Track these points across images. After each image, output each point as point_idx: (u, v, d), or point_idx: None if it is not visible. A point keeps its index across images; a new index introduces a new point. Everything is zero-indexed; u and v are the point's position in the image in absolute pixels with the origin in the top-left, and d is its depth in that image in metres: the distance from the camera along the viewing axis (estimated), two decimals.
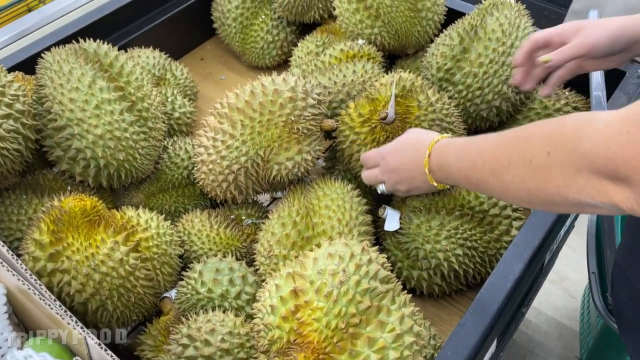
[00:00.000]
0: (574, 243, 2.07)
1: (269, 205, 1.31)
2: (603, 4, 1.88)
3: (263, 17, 1.57)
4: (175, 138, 1.25)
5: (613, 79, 1.20)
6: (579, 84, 1.22)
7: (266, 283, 0.81)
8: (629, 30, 0.90)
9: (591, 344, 1.47)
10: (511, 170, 0.66)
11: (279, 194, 1.19)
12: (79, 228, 0.92)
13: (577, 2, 2.07)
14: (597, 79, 1.17)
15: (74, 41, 1.13)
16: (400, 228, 1.08)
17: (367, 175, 0.99)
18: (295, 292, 0.75)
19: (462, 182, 0.80)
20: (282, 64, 1.64)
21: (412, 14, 1.28)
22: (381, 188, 0.98)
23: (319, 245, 0.93)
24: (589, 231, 1.35)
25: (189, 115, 1.35)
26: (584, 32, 0.92)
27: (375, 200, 1.21)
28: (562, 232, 1.12)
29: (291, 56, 1.51)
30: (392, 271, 1.09)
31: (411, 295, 1.11)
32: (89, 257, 0.90)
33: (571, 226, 1.37)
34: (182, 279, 1.00)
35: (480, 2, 1.25)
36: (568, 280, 2.04)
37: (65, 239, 0.90)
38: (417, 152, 0.87)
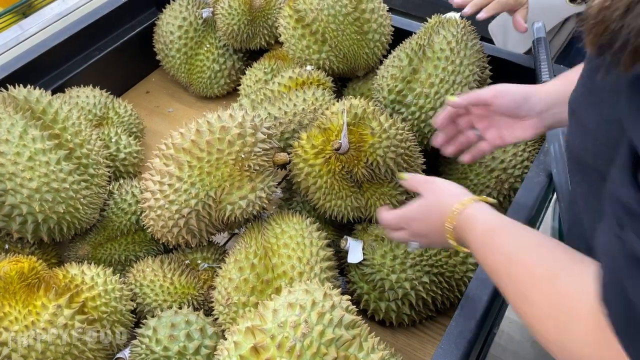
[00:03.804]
0: None
1: (226, 242, 1.25)
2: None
3: (208, 46, 1.52)
4: (121, 181, 1.18)
5: None
6: None
7: (224, 339, 0.75)
8: (543, 94, 0.87)
9: None
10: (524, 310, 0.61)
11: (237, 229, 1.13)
12: (16, 294, 0.85)
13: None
14: None
15: (1, 89, 1.06)
16: (364, 259, 1.05)
17: (397, 237, 0.90)
18: (255, 349, 0.70)
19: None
20: (232, 92, 1.59)
21: (358, 37, 1.25)
22: (414, 246, 0.89)
23: (279, 290, 0.88)
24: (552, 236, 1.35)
25: (135, 155, 1.29)
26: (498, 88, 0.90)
27: (337, 231, 1.17)
28: None
29: (240, 84, 1.46)
30: (359, 304, 1.07)
31: (380, 327, 1.10)
32: (29, 326, 0.82)
33: None
34: (136, 337, 0.93)
35: (426, 21, 1.24)
36: None
37: (1, 309, 0.83)
38: (440, 221, 0.78)
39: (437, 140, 0.99)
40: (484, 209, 0.73)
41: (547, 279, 0.58)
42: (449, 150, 0.99)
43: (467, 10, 1.17)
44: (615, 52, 0.42)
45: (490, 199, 0.77)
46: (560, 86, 0.86)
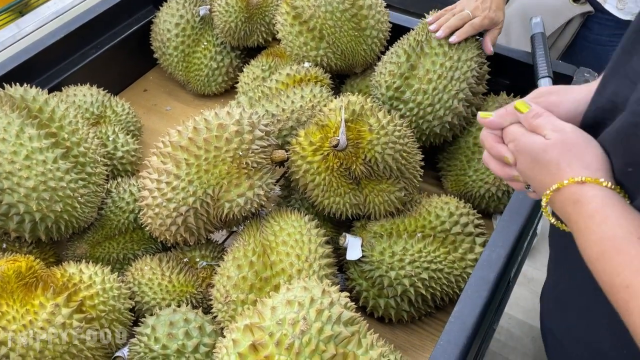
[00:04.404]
0: (538, 244, 2.09)
1: (225, 240, 1.25)
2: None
3: (205, 43, 1.51)
4: (119, 180, 1.18)
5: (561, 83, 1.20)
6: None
7: (223, 336, 0.75)
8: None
9: None
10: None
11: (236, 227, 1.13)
12: (14, 294, 0.84)
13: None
14: (545, 86, 1.17)
15: None
16: (363, 256, 1.05)
17: (497, 151, 0.70)
18: (254, 347, 0.70)
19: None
20: (230, 90, 1.59)
21: (356, 33, 1.25)
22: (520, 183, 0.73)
23: (277, 287, 0.88)
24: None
25: (133, 153, 1.28)
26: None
27: (336, 228, 1.17)
28: (525, 245, 1.10)
29: (238, 82, 1.46)
30: (358, 301, 1.07)
31: (380, 324, 1.10)
32: (27, 325, 0.82)
33: (534, 234, 1.36)
34: (135, 335, 0.92)
35: (424, 17, 1.24)
36: (535, 282, 2.04)
37: None
38: (548, 179, 0.63)
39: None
40: (597, 196, 0.59)
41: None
42: None
43: (440, 33, 1.13)
44: None
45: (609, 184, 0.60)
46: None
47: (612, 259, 0.55)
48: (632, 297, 0.52)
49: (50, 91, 1.24)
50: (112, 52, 1.52)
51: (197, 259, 1.06)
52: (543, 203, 0.64)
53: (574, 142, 0.63)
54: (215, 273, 0.99)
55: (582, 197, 0.59)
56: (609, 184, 0.59)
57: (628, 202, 0.59)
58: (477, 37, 1.19)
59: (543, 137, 0.64)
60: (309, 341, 0.69)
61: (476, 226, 1.08)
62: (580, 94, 0.71)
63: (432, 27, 1.16)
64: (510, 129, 0.68)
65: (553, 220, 0.67)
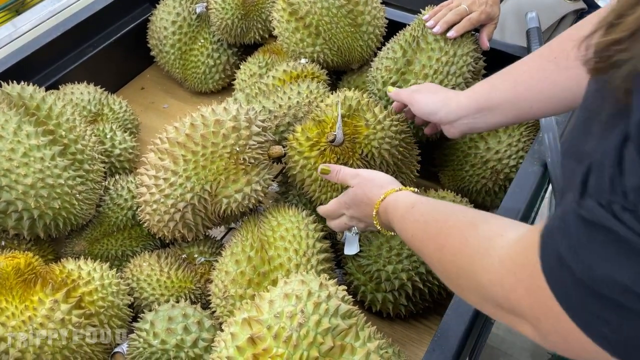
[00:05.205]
0: None
1: (223, 237, 1.25)
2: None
3: (202, 41, 1.51)
4: (117, 177, 1.18)
5: None
6: None
7: (221, 331, 0.75)
8: (453, 105, 0.94)
9: None
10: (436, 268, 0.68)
11: (234, 223, 1.14)
12: (13, 290, 0.85)
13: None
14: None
15: None
16: (361, 251, 1.05)
17: (336, 225, 0.98)
18: (252, 340, 0.70)
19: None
20: (227, 87, 1.59)
21: (352, 29, 1.25)
22: (354, 230, 0.99)
23: (275, 282, 0.88)
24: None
25: (130, 151, 1.28)
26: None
27: None
28: None
29: (235, 79, 1.46)
30: (356, 295, 1.08)
31: (378, 318, 1.11)
32: (26, 321, 0.82)
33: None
34: (134, 331, 0.93)
35: (420, 12, 1.24)
36: None
37: None
38: (369, 209, 0.86)
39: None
40: (407, 194, 0.82)
41: (463, 227, 0.62)
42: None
43: (437, 29, 1.13)
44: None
45: (414, 189, 0.84)
46: (470, 96, 0.93)
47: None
48: (428, 227, 0.69)
49: (47, 89, 1.24)
50: (109, 50, 1.52)
51: (196, 255, 1.06)
52: (378, 227, 0.85)
53: (367, 178, 0.88)
54: (214, 269, 1.00)
55: (388, 205, 0.82)
56: (399, 188, 0.83)
57: (417, 190, 0.84)
58: (473, 33, 1.20)
59: (351, 187, 0.90)
60: (306, 334, 0.69)
61: None
62: (449, 98, 0.95)
63: (429, 23, 1.16)
64: (332, 208, 0.96)
65: (383, 230, 0.86)
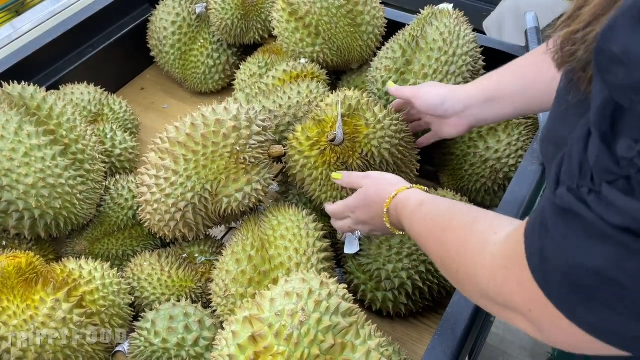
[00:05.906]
0: None
1: (224, 236, 1.25)
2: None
3: (202, 41, 1.52)
4: (117, 177, 1.18)
5: None
6: None
7: (222, 329, 0.76)
8: (461, 95, 0.95)
9: None
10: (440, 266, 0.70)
11: (234, 223, 1.14)
12: (14, 289, 0.85)
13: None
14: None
15: None
16: (361, 250, 1.05)
17: (340, 227, 0.99)
18: (253, 338, 0.71)
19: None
20: (227, 88, 1.59)
21: (352, 29, 1.25)
22: (357, 234, 1.00)
23: (276, 281, 0.89)
24: None
25: (130, 151, 1.29)
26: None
27: None
28: None
29: (235, 79, 1.46)
30: (356, 294, 1.08)
31: (378, 317, 1.11)
32: (28, 321, 0.82)
33: None
34: (135, 330, 0.93)
35: (419, 12, 1.25)
36: None
37: (0, 303, 0.83)
38: (381, 208, 0.87)
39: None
40: (417, 191, 0.82)
41: (464, 225, 0.63)
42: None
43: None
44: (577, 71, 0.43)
45: (423, 187, 0.86)
46: (478, 87, 0.94)
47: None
48: (435, 226, 0.70)
49: (47, 90, 1.24)
50: (109, 50, 1.52)
51: (196, 255, 1.07)
52: (388, 225, 0.85)
53: (378, 178, 0.90)
54: (214, 268, 1.00)
55: (399, 203, 0.82)
56: (409, 186, 0.84)
57: (426, 189, 0.86)
58: (473, 32, 1.20)
59: (361, 187, 0.91)
60: (307, 332, 0.69)
61: None
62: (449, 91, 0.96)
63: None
64: (339, 209, 0.96)
65: (392, 229, 0.86)
